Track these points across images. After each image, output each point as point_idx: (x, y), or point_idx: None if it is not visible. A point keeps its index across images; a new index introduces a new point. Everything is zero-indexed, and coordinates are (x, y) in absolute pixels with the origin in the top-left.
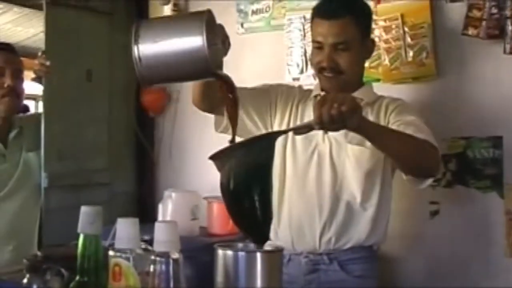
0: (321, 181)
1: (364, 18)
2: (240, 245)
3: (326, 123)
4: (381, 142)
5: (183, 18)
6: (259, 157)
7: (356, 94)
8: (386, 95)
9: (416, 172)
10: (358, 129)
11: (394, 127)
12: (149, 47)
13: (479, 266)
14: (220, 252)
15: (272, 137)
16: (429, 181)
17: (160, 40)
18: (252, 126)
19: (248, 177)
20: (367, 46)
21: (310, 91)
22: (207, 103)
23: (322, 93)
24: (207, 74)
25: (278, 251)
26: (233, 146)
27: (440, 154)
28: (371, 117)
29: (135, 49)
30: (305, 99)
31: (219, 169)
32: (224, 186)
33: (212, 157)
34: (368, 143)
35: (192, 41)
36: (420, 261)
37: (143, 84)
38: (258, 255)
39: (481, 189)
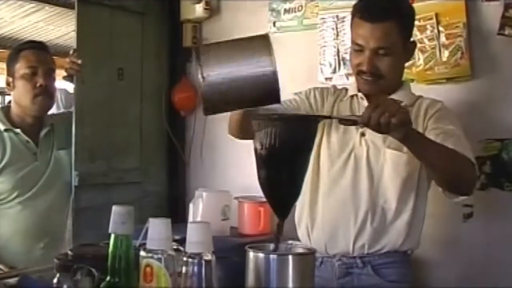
0: (358, 184)
1: (408, 21)
2: (271, 246)
3: (372, 127)
4: (423, 155)
5: (247, 42)
6: (298, 135)
7: (395, 96)
8: (424, 96)
9: (452, 188)
10: (402, 140)
11: (432, 135)
12: (215, 72)
13: None
14: (251, 254)
15: (315, 120)
16: (463, 198)
17: (226, 65)
18: None
19: (283, 151)
20: (408, 49)
21: (345, 89)
22: (245, 133)
23: (360, 94)
24: (273, 99)
25: (310, 254)
26: (276, 116)
27: (476, 171)
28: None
29: (200, 73)
30: (341, 98)
31: (255, 130)
32: (256, 151)
33: (253, 116)
34: (405, 148)
35: (262, 65)
36: (453, 265)
37: (206, 112)
38: (290, 257)
39: None
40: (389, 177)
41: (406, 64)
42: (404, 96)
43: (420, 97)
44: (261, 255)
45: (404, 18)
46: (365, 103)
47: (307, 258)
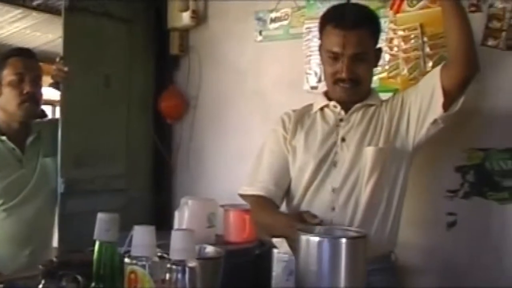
0: (342, 189)
1: (377, 28)
2: (321, 229)
3: None
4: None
5: None
6: None
7: (367, 100)
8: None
9: (468, 55)
10: None
11: (419, 97)
12: None
13: (496, 279)
14: (303, 238)
15: None
16: (461, 100)
17: None
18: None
19: None
20: (377, 56)
21: (310, 105)
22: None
23: (332, 103)
24: None
25: (362, 237)
26: None
27: None
28: (386, 116)
29: None
30: (308, 114)
31: None
32: None
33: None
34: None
35: None
36: (437, 273)
37: None
38: (343, 241)
39: (499, 200)
40: (371, 176)
41: (391, 74)
42: (375, 99)
43: (383, 100)
44: (313, 238)
45: (374, 25)
46: (339, 110)
47: (360, 242)
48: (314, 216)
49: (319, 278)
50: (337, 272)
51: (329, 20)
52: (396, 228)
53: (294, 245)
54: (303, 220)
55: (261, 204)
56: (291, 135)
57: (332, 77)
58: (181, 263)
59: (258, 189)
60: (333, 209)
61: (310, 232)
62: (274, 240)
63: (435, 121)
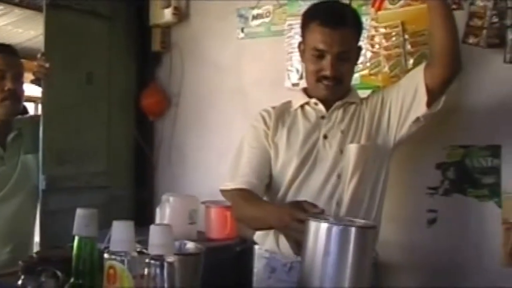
0: (325, 186)
1: (360, 28)
2: (331, 218)
3: None
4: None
5: None
6: None
7: (347, 98)
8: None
9: (452, 54)
10: None
11: (401, 95)
12: None
13: (476, 276)
14: (312, 223)
15: None
16: (443, 98)
17: None
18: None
19: None
20: (358, 54)
21: (288, 102)
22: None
23: (313, 100)
24: None
25: (372, 228)
26: None
27: None
28: (367, 114)
29: None
30: (288, 112)
31: None
32: None
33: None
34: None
35: None
36: (418, 270)
37: None
38: (353, 229)
39: (479, 198)
40: (354, 174)
41: (372, 71)
42: (355, 97)
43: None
44: (324, 224)
45: (358, 24)
46: (320, 107)
47: (369, 232)
48: (315, 206)
49: (325, 265)
50: (344, 261)
51: (313, 17)
52: (378, 225)
53: (292, 235)
54: (304, 210)
55: (245, 197)
56: (273, 131)
57: (315, 75)
58: (160, 258)
59: (240, 183)
60: (316, 206)
61: (320, 219)
62: (259, 233)
63: (417, 119)
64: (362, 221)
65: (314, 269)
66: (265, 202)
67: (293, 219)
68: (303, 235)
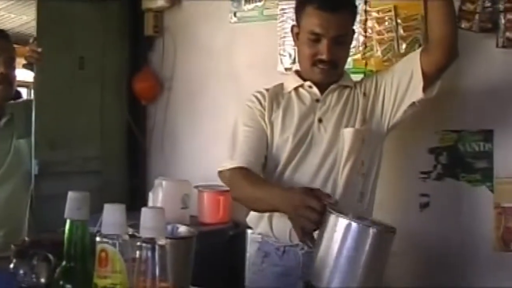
0: (320, 170)
1: (355, 12)
2: (350, 214)
3: None
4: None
5: None
6: None
7: (342, 82)
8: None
9: (451, 42)
10: None
11: (396, 80)
12: None
13: (468, 260)
14: (332, 216)
15: None
16: (439, 83)
17: None
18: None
19: None
20: (352, 37)
21: (280, 84)
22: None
23: (307, 83)
24: None
25: (391, 232)
26: None
27: None
28: (361, 98)
29: None
30: (281, 94)
31: None
32: None
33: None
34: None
35: None
36: (410, 254)
37: None
38: (371, 230)
39: (471, 182)
40: (349, 158)
41: (365, 55)
42: (348, 81)
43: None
44: (343, 219)
45: (354, 8)
46: (315, 90)
47: (387, 236)
48: (329, 196)
49: (338, 261)
50: (358, 260)
51: (310, 1)
52: (371, 209)
53: (299, 221)
54: (318, 198)
55: (245, 175)
56: (268, 112)
57: (311, 58)
58: (151, 241)
59: (239, 162)
60: (330, 197)
61: (341, 213)
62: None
63: (413, 104)
64: (383, 222)
65: (326, 262)
66: (270, 183)
67: (305, 206)
68: (311, 224)
